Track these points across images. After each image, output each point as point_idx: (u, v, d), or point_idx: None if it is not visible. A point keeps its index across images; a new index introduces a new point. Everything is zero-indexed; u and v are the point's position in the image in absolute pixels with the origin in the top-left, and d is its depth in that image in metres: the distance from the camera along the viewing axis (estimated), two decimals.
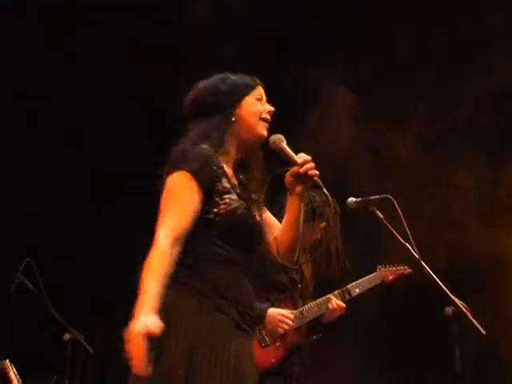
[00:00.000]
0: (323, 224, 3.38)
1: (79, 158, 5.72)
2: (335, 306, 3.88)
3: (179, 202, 2.39)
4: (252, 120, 2.55)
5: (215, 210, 2.43)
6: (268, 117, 2.58)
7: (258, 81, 2.62)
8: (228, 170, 2.53)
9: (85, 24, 5.48)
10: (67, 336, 4.05)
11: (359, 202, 2.97)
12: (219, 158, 2.49)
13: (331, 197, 2.49)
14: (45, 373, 4.62)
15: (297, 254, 2.63)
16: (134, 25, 5.50)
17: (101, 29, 5.50)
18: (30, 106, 5.59)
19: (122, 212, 5.73)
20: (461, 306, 2.77)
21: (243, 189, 2.55)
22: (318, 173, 2.45)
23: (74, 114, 5.63)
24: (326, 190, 2.45)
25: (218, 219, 2.42)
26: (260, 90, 2.61)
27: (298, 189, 2.50)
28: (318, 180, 2.45)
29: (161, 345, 2.28)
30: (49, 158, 5.63)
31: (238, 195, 2.50)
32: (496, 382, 5.39)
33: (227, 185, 2.48)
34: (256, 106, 2.56)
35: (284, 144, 2.51)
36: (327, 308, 3.89)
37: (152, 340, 2.20)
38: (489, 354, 4.84)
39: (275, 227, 2.62)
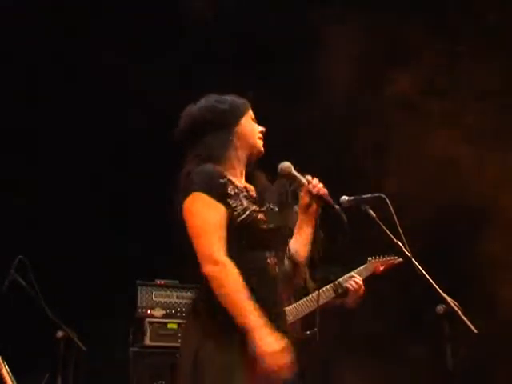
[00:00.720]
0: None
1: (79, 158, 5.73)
2: (355, 285, 3.95)
3: (209, 221, 2.53)
4: (251, 138, 2.75)
5: (230, 214, 2.57)
6: (260, 134, 2.78)
7: (248, 103, 2.81)
8: (235, 179, 2.68)
9: None
10: (60, 334, 4.06)
11: (352, 200, 2.99)
12: (224, 172, 2.65)
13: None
14: (37, 370, 4.61)
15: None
16: None
17: None
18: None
19: (114, 207, 5.74)
20: (452, 305, 2.79)
21: (258, 198, 2.71)
22: (326, 192, 2.69)
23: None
24: (339, 210, 2.68)
25: (233, 222, 2.57)
26: (251, 111, 2.81)
27: (312, 209, 2.72)
28: (329, 199, 2.71)
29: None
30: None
31: (247, 198, 2.64)
32: (489, 380, 5.42)
33: (234, 191, 2.62)
34: (252, 125, 2.78)
35: (292, 170, 2.75)
36: (344, 291, 3.94)
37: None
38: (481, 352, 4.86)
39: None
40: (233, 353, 2.45)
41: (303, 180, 2.74)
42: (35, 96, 5.58)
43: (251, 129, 2.76)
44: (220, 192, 2.58)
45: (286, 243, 2.76)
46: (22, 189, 5.52)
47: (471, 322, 2.72)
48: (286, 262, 2.75)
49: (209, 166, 2.62)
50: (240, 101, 2.79)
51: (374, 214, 2.92)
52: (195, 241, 2.53)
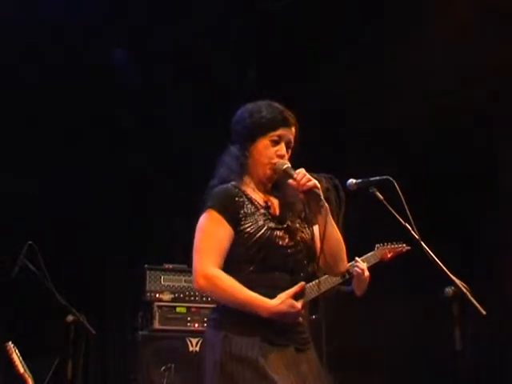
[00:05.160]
0: None
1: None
2: (359, 270, 3.96)
3: (211, 238, 2.60)
4: (260, 164, 2.71)
5: (244, 233, 2.60)
6: (276, 160, 2.70)
7: (287, 122, 2.73)
8: (255, 195, 2.70)
9: None
10: (70, 318, 4.07)
11: (359, 183, 2.98)
12: (243, 187, 2.69)
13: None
14: (48, 355, 4.64)
15: (345, 265, 2.78)
16: None
17: None
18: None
19: (121, 199, 5.75)
20: (461, 287, 2.78)
21: (280, 214, 2.70)
22: (314, 183, 2.59)
23: None
24: (322, 198, 2.58)
25: (247, 241, 2.59)
26: (283, 132, 2.71)
27: (313, 205, 2.63)
28: (316, 190, 2.59)
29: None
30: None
31: (265, 215, 2.65)
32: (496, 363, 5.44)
33: (251, 209, 2.65)
34: (267, 150, 2.71)
35: (285, 166, 2.67)
36: (350, 276, 3.95)
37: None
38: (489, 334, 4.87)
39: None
40: (252, 346, 2.51)
41: (294, 175, 2.65)
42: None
43: (264, 154, 2.70)
44: (233, 214, 2.62)
45: (309, 259, 2.70)
46: (31, 174, 5.53)
47: (480, 304, 2.72)
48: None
49: (227, 186, 2.68)
50: (272, 117, 2.71)
51: (381, 197, 2.91)
52: (194, 255, 2.62)
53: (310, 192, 2.60)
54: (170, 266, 5.28)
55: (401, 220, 2.84)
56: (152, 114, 5.83)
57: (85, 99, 5.57)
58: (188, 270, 5.28)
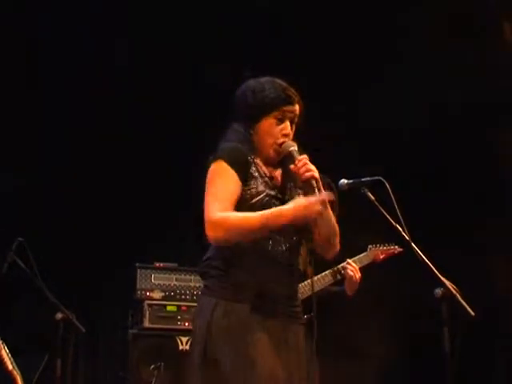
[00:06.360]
0: None
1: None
2: (351, 270, 3.96)
3: (220, 186, 2.57)
4: (267, 140, 2.70)
5: (245, 194, 2.60)
6: (281, 140, 2.69)
7: (291, 99, 2.70)
8: (262, 165, 2.69)
9: None
10: (59, 315, 4.06)
11: (351, 183, 2.98)
12: (253, 155, 2.67)
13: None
14: (37, 352, 4.63)
15: (335, 251, 2.79)
16: None
17: None
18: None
19: (114, 188, 5.73)
20: (450, 288, 2.79)
21: (281, 187, 2.70)
22: (312, 174, 2.57)
23: None
24: (317, 191, 2.56)
25: (245, 203, 2.59)
26: (287, 110, 2.69)
27: (310, 193, 2.60)
28: (313, 181, 2.57)
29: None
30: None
31: (267, 183, 2.65)
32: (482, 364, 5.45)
33: (256, 173, 2.65)
34: (272, 129, 2.69)
35: (291, 149, 2.65)
36: (343, 277, 3.95)
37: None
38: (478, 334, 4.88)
39: None
40: (241, 313, 2.53)
41: (297, 159, 2.63)
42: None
43: (269, 133, 2.69)
44: (242, 167, 2.61)
45: (301, 232, 2.69)
46: (22, 170, 5.50)
47: (469, 305, 2.73)
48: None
49: (239, 145, 2.66)
50: (275, 96, 2.69)
51: (372, 197, 2.91)
52: (204, 204, 2.57)
53: (307, 182, 2.59)
54: (161, 265, 5.28)
55: (391, 221, 2.84)
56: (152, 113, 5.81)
57: None
58: (179, 269, 5.29)
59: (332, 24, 5.52)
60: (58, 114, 5.62)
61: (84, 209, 5.70)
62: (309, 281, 3.88)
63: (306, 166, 2.59)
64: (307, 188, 2.61)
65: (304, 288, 3.93)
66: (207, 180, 2.62)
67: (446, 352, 2.85)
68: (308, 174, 2.58)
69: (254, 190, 2.62)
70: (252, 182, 2.63)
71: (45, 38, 5.50)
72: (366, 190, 2.93)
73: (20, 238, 4.14)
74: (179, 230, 5.83)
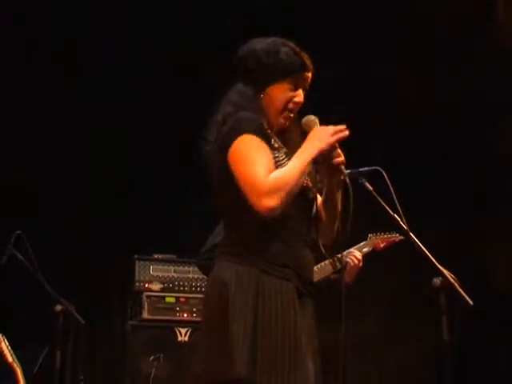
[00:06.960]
0: None
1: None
2: (355, 260, 3.96)
3: (259, 157, 2.40)
4: (278, 106, 2.56)
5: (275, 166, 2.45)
6: (293, 107, 2.57)
7: (306, 66, 2.58)
8: (271, 132, 2.57)
9: None
10: (58, 307, 4.07)
11: (348, 173, 2.97)
12: (264, 122, 2.54)
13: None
14: (36, 344, 4.64)
15: (332, 236, 2.69)
16: None
17: None
18: None
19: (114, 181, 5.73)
20: (449, 277, 2.79)
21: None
22: (343, 160, 2.51)
23: None
24: (347, 180, 2.52)
25: None
26: (301, 77, 2.57)
27: (331, 179, 2.56)
28: (342, 167, 2.51)
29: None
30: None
31: (286, 154, 2.53)
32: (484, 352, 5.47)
33: (276, 144, 2.53)
34: (285, 94, 2.56)
35: (316, 125, 2.54)
36: (345, 266, 3.96)
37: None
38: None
39: None
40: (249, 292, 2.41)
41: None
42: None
43: (280, 98, 2.55)
44: (267, 140, 2.48)
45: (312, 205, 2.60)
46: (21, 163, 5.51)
47: (467, 295, 2.73)
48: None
49: (250, 114, 2.49)
50: (290, 61, 2.54)
51: (370, 187, 2.90)
52: (245, 180, 2.39)
53: (336, 168, 2.51)
54: (160, 256, 5.29)
55: (389, 211, 2.84)
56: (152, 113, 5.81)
57: None
58: (177, 261, 5.29)
59: (332, 24, 5.51)
60: (57, 106, 5.62)
61: (82, 201, 5.70)
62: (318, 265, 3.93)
63: (338, 149, 2.51)
64: (333, 173, 2.54)
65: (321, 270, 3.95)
66: (243, 153, 2.42)
67: (446, 341, 2.86)
68: (340, 160, 2.51)
69: (281, 162, 2.49)
70: (276, 155, 2.49)
71: (45, 38, 5.50)
72: (364, 180, 2.92)
73: (18, 231, 4.13)
74: (178, 222, 5.83)
